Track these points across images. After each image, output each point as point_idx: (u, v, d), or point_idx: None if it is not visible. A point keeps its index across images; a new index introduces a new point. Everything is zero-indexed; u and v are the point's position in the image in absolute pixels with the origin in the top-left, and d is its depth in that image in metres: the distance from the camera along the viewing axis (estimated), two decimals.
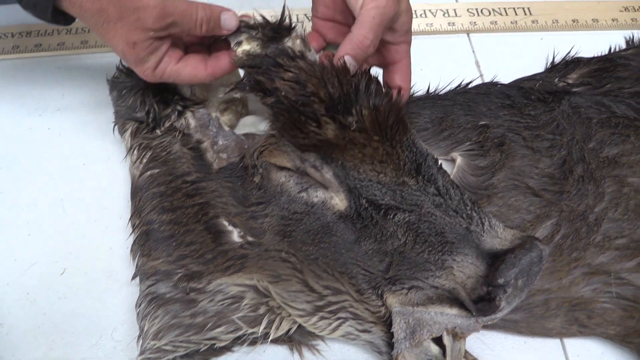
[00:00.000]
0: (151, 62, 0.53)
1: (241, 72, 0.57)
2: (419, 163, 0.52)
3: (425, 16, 0.79)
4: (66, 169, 0.65)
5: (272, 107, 0.52)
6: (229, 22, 0.54)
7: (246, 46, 0.54)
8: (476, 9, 0.81)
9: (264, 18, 0.55)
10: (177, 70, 0.54)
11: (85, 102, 0.70)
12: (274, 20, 0.55)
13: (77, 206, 0.63)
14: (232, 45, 0.55)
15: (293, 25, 0.55)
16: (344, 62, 0.51)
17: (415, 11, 0.80)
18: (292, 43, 0.54)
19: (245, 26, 0.55)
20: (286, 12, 0.55)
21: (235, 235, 0.56)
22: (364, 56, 0.54)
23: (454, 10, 0.80)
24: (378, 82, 0.52)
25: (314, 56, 0.54)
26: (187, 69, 0.54)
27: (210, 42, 0.58)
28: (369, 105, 0.50)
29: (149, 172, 0.58)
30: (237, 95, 0.59)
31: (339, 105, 0.49)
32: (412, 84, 0.62)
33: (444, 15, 0.80)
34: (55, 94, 0.71)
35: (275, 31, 0.54)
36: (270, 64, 0.52)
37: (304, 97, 0.49)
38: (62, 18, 0.54)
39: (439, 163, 0.54)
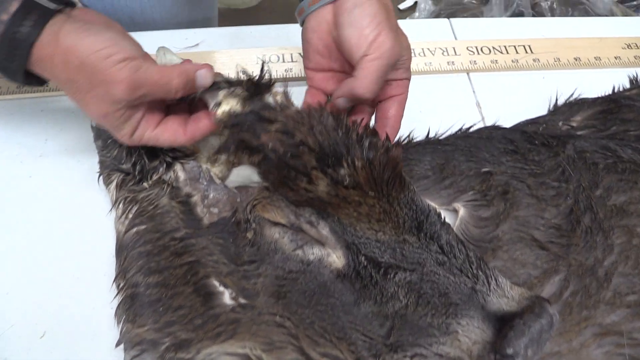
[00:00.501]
0: (126, 130, 0.50)
1: None
2: (420, 221, 0.50)
3: (424, 55, 0.77)
4: (48, 221, 0.62)
5: (260, 165, 0.49)
6: (204, 79, 0.52)
7: (225, 106, 0.51)
8: (476, 47, 0.78)
9: (244, 72, 0.53)
10: (155, 136, 0.52)
11: (70, 148, 0.67)
12: (254, 76, 0.52)
13: (59, 262, 0.59)
14: (210, 107, 0.52)
15: (273, 81, 0.52)
16: (334, 110, 0.49)
17: (413, 50, 0.77)
18: (273, 99, 0.51)
19: (223, 81, 0.52)
20: (265, 68, 0.53)
21: (227, 297, 0.53)
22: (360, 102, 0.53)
23: (454, 48, 0.78)
24: (374, 132, 0.49)
25: (297, 108, 0.51)
26: (166, 135, 0.52)
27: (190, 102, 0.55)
28: (362, 157, 0.47)
29: (134, 229, 0.55)
30: (223, 156, 0.56)
31: (330, 156, 0.46)
32: (411, 128, 0.59)
33: (443, 53, 0.77)
34: (37, 138, 0.68)
35: (255, 87, 0.51)
36: (254, 119, 0.49)
37: (292, 148, 0.46)
38: (36, 80, 0.51)
39: (442, 217, 0.52)
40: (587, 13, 1.89)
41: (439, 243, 0.49)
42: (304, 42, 0.58)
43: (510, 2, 1.75)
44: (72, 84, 0.48)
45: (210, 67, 0.53)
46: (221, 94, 0.52)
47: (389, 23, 0.53)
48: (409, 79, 0.58)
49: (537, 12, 1.88)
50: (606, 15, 1.89)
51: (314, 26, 0.56)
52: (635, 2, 2.04)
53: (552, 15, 1.87)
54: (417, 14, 1.93)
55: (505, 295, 0.48)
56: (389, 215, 0.48)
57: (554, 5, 1.88)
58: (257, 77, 0.52)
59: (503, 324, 0.45)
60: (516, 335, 0.44)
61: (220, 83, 0.52)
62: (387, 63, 0.52)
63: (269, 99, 0.51)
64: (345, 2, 0.53)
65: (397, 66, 0.55)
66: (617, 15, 1.94)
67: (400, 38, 0.54)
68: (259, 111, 0.49)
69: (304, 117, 0.47)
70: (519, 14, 1.76)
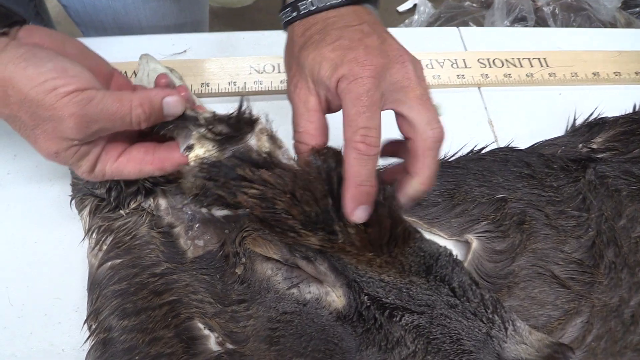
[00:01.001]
0: (84, 167, 0.43)
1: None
2: (428, 265, 0.45)
3: (432, 67, 0.71)
4: (13, 249, 0.55)
5: (242, 218, 0.44)
6: (173, 108, 0.44)
7: (199, 150, 0.44)
8: (487, 59, 0.72)
9: (215, 116, 0.45)
10: (118, 168, 0.45)
11: (41, 165, 0.60)
12: (232, 113, 0.44)
13: (25, 296, 0.53)
14: (181, 150, 0.45)
15: (255, 117, 0.45)
16: (321, 168, 0.41)
17: (420, 61, 0.71)
18: (256, 140, 0.44)
19: (193, 120, 0.45)
20: (244, 104, 0.45)
21: (212, 342, 0.47)
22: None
23: (464, 60, 0.72)
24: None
25: (285, 155, 0.44)
26: (130, 165, 0.45)
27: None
28: (354, 225, 0.41)
29: (109, 263, 0.49)
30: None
31: (319, 223, 0.41)
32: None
33: (452, 65, 0.71)
34: (5, 154, 0.61)
35: (234, 127, 0.44)
36: (228, 175, 0.43)
37: (273, 214, 0.41)
38: None
39: (454, 256, 0.46)
40: (589, 19, 1.85)
41: (450, 286, 0.45)
42: None
43: (513, 7, 1.70)
44: (16, 120, 0.41)
45: (180, 93, 0.45)
46: (194, 135, 0.45)
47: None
48: (416, 98, 0.43)
49: (539, 17, 1.83)
50: (609, 22, 1.85)
51: None
52: (638, 9, 1.99)
53: (554, 21, 1.82)
54: (416, 16, 1.87)
55: (523, 342, 0.45)
56: (392, 265, 0.44)
57: (556, 11, 1.83)
58: (235, 115, 0.44)
59: None
60: None
61: (191, 121, 0.45)
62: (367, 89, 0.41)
63: (252, 140, 0.44)
64: None
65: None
66: (619, 22, 1.90)
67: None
68: (234, 167, 0.43)
69: (286, 184, 0.41)
70: (522, 19, 1.71)
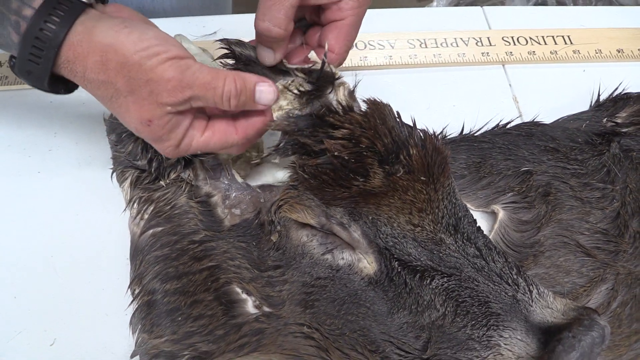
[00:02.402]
0: (172, 140, 0.45)
1: None
2: (458, 217, 0.46)
3: (457, 45, 0.72)
4: (57, 221, 0.58)
5: (316, 168, 0.45)
6: (265, 96, 0.45)
7: (282, 101, 0.46)
8: (512, 37, 0.74)
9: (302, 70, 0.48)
10: (205, 142, 0.46)
11: (81, 142, 0.63)
12: (315, 67, 0.47)
13: (69, 264, 0.56)
14: None
15: (337, 74, 0.47)
16: (389, 108, 0.45)
17: (445, 39, 0.73)
18: (335, 94, 0.46)
19: (281, 71, 0.47)
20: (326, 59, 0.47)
21: (250, 305, 0.49)
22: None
23: (488, 38, 0.73)
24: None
25: (359, 105, 0.47)
26: (216, 137, 0.46)
27: None
28: (416, 144, 0.44)
29: (150, 231, 0.52)
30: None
31: (391, 154, 0.44)
32: (444, 124, 0.52)
33: (477, 44, 0.73)
34: (46, 131, 0.64)
35: (316, 82, 0.46)
36: (317, 124, 0.44)
37: (357, 154, 0.43)
38: (63, 86, 0.47)
39: (477, 224, 0.48)
40: (611, 3, 1.83)
41: (476, 245, 0.46)
42: None
43: None
44: (109, 87, 0.43)
45: (272, 84, 0.46)
46: (278, 86, 0.47)
47: None
48: (358, 6, 0.50)
49: (559, 2, 1.82)
50: (630, 5, 1.83)
51: None
52: None
53: (575, 4, 1.80)
54: (435, 2, 1.87)
55: (548, 306, 0.45)
56: (431, 204, 0.45)
57: None
58: (319, 69, 0.46)
59: (549, 338, 0.42)
60: (565, 350, 0.40)
61: (280, 69, 0.47)
62: None
63: (331, 95, 0.46)
64: None
65: None
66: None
67: None
68: (322, 115, 0.45)
69: (370, 121, 0.44)
70: (542, 3, 1.70)
